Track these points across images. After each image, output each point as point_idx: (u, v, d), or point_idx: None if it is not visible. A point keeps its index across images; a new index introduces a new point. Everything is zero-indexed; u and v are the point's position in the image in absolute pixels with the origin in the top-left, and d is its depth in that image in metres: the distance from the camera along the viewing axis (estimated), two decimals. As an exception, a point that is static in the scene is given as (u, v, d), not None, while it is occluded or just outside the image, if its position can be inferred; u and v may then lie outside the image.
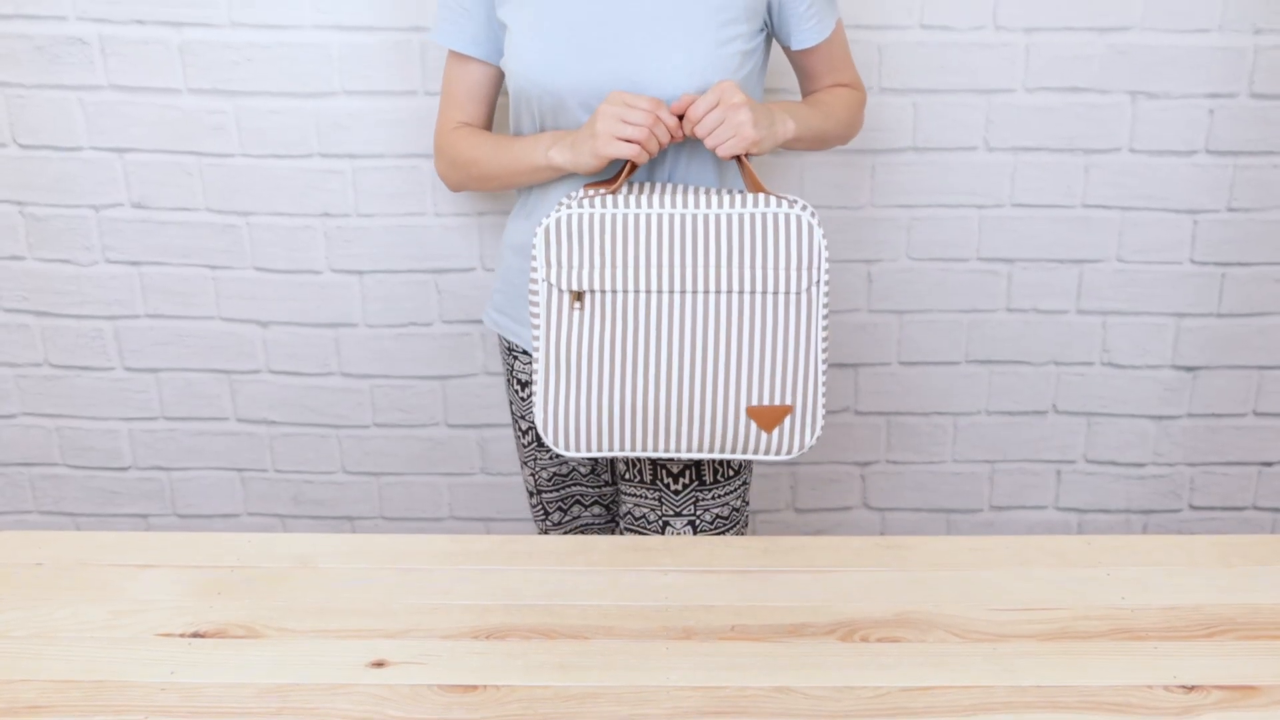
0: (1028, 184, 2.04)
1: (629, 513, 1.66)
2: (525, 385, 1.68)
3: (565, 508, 1.77)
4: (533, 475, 1.76)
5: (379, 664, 1.17)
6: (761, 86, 1.58)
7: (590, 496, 1.76)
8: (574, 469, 1.73)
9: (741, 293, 1.34)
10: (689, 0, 1.43)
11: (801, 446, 1.41)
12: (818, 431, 1.41)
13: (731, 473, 1.61)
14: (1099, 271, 2.09)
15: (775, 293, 1.35)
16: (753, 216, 1.34)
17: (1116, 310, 2.12)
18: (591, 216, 1.34)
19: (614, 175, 1.43)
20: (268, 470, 2.23)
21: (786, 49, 1.59)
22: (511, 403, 1.74)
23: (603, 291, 1.35)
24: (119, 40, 1.92)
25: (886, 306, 2.12)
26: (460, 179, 1.65)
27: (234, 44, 1.93)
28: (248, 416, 2.19)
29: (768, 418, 1.38)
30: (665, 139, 1.39)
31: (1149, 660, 1.18)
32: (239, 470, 2.23)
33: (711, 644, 1.20)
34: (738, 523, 1.66)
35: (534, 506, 1.79)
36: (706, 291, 1.34)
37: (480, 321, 2.10)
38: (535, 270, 1.36)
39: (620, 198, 1.35)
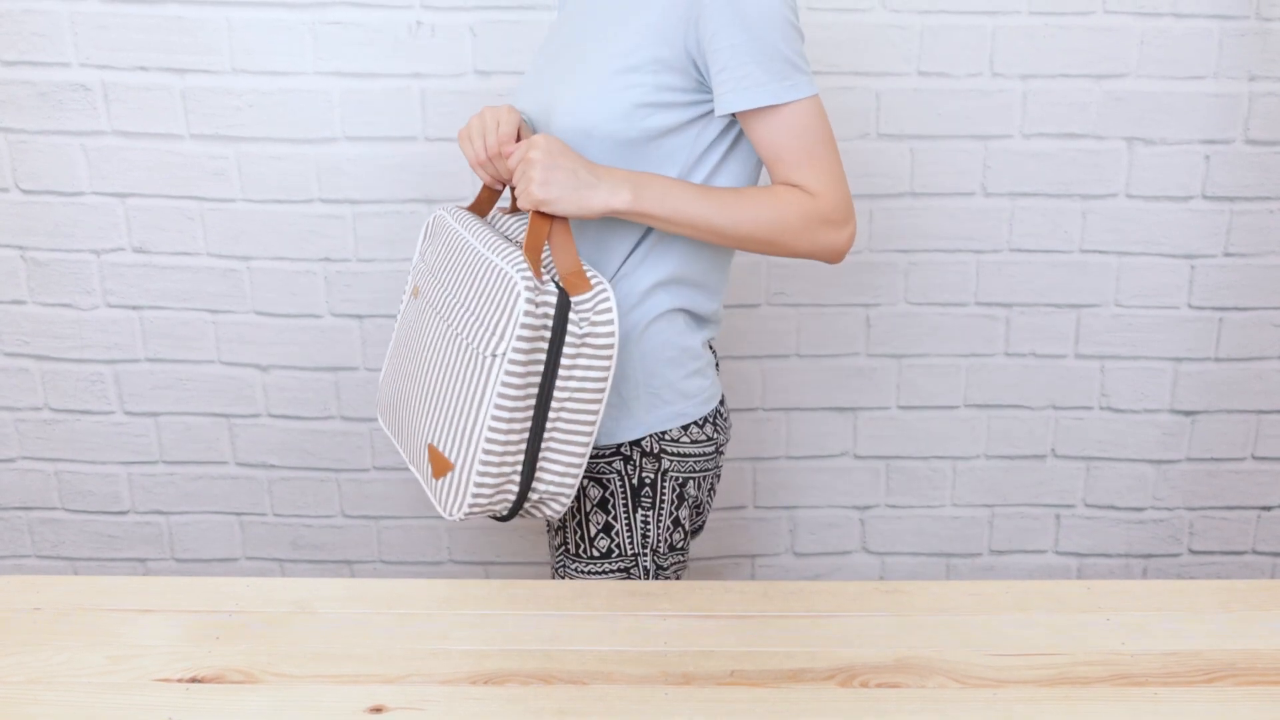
0: (1025, 229, 2.05)
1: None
2: None
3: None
4: None
5: (377, 709, 1.17)
6: (736, 164, 1.41)
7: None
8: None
9: (451, 329, 1.32)
10: (597, 44, 1.38)
11: (448, 510, 1.32)
12: (465, 506, 1.29)
13: (596, 553, 1.47)
14: (1097, 316, 2.10)
15: (464, 341, 1.29)
16: (485, 261, 1.30)
17: (1114, 355, 2.12)
18: (438, 221, 1.44)
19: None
20: (267, 514, 2.23)
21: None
22: None
23: (414, 290, 1.43)
24: (122, 86, 1.94)
25: (885, 350, 2.12)
26: None
27: (236, 90, 1.94)
28: (247, 460, 2.19)
29: (438, 464, 1.32)
30: (504, 174, 1.39)
31: (1149, 706, 1.17)
32: (238, 514, 2.23)
33: (710, 689, 1.20)
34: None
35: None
36: (441, 318, 1.35)
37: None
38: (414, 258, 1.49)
39: (472, 216, 1.42)
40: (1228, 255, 2.06)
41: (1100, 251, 2.06)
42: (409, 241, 2.02)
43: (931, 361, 2.13)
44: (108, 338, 2.10)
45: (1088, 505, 2.24)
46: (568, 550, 1.50)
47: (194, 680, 1.21)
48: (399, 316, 1.48)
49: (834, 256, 1.37)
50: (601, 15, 1.41)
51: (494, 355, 1.25)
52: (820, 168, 1.35)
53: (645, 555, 1.47)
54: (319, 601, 1.36)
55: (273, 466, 2.19)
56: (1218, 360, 2.13)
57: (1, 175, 1.99)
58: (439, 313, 1.35)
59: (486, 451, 1.27)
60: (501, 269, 1.26)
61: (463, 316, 1.30)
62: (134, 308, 2.08)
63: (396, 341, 1.47)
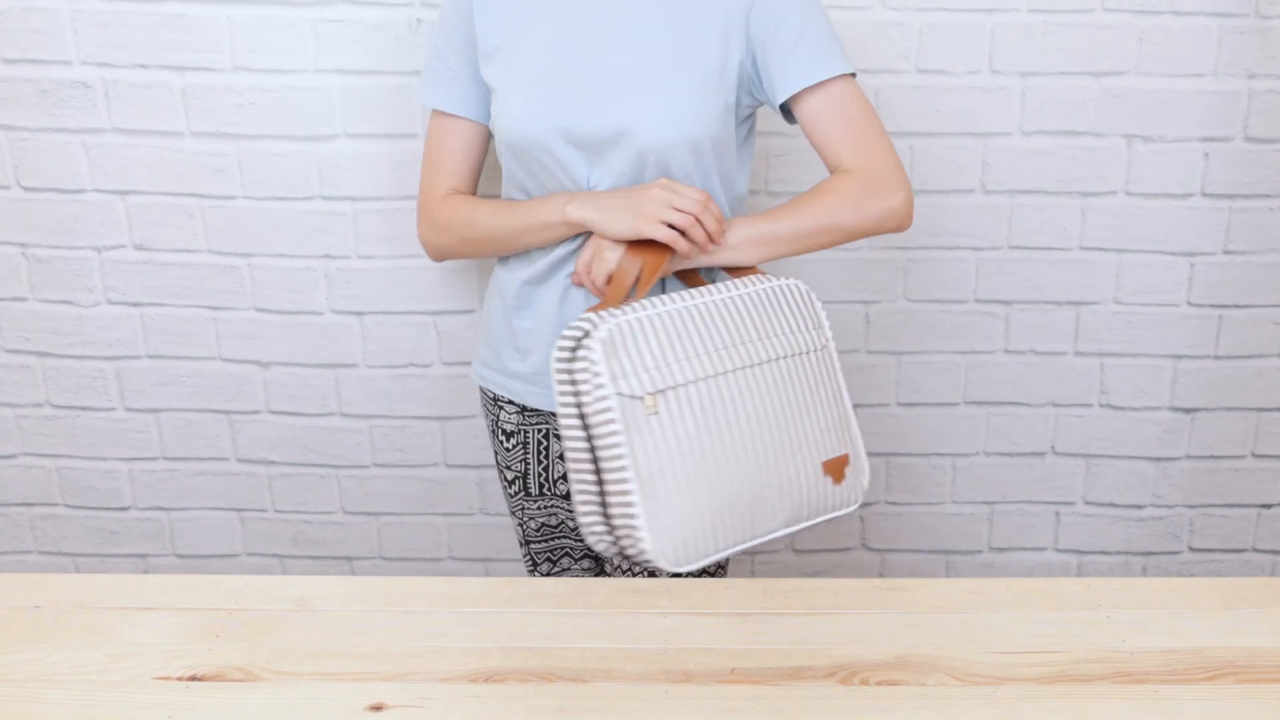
0: (1025, 226, 2.05)
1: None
2: (510, 435, 1.68)
3: (554, 559, 1.75)
4: (520, 525, 1.75)
5: (377, 707, 1.17)
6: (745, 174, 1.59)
7: (579, 550, 1.75)
8: (563, 521, 1.71)
9: (786, 357, 1.37)
10: (674, 57, 1.45)
11: (863, 491, 1.44)
12: (867, 473, 1.45)
13: None
14: (1096, 313, 2.10)
15: (808, 352, 1.39)
16: (766, 291, 1.40)
17: (1114, 352, 2.12)
18: (640, 320, 1.29)
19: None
20: (267, 510, 2.23)
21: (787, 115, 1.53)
22: (496, 453, 1.73)
23: (674, 388, 1.28)
24: (122, 84, 1.94)
25: (884, 347, 2.12)
26: (448, 243, 1.62)
27: (236, 88, 1.94)
28: (247, 457, 2.19)
29: (836, 469, 1.40)
30: (713, 228, 1.40)
31: (1149, 704, 1.17)
32: (238, 510, 2.23)
33: (710, 687, 1.20)
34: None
35: (524, 556, 1.78)
36: (761, 363, 1.34)
37: (480, 362, 2.10)
38: (602, 388, 1.26)
39: (645, 302, 1.33)
40: (1227, 253, 2.06)
41: (1100, 249, 2.06)
42: (409, 237, 2.02)
43: (931, 358, 2.14)
44: (109, 334, 2.10)
45: (1087, 503, 2.24)
46: None
47: (194, 678, 1.22)
48: (639, 449, 1.27)
49: (894, 221, 1.48)
50: (647, 26, 1.46)
51: (828, 344, 1.43)
52: (859, 142, 1.48)
53: None
54: (319, 599, 1.37)
55: (273, 463, 2.19)
56: (1217, 358, 2.13)
57: (3, 173, 1.99)
58: (752, 366, 1.34)
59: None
60: (781, 287, 1.42)
61: (789, 338, 1.39)
62: (135, 304, 2.08)
63: (675, 467, 1.28)
